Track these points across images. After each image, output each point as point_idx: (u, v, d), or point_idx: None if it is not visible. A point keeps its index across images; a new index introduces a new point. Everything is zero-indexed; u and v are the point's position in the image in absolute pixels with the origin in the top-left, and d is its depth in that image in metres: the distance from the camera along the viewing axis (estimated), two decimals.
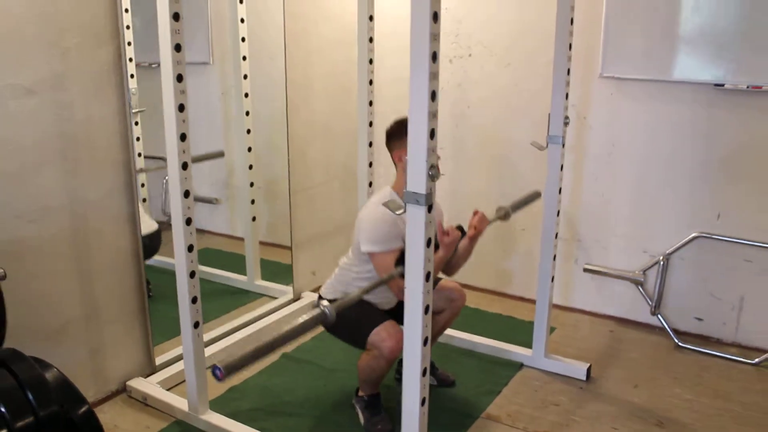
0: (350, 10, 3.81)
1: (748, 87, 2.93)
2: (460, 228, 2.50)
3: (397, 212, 1.95)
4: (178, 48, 2.20)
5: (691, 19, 3.00)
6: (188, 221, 2.37)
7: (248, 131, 3.58)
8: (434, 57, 1.74)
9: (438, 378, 2.92)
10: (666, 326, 3.30)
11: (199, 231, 3.45)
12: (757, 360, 3.07)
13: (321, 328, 3.07)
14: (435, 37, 1.72)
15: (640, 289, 3.36)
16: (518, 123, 3.52)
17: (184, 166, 2.31)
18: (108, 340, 2.72)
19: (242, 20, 3.45)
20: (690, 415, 2.70)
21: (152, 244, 3.09)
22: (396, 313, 2.62)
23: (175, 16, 2.17)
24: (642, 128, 3.24)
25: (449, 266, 2.63)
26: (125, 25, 2.59)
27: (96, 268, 2.64)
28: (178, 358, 2.97)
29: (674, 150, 3.19)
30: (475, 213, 2.54)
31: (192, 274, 2.43)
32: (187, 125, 2.29)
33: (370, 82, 3.20)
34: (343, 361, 3.09)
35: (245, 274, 3.78)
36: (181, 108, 2.26)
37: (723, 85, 2.98)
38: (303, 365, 3.07)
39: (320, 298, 2.69)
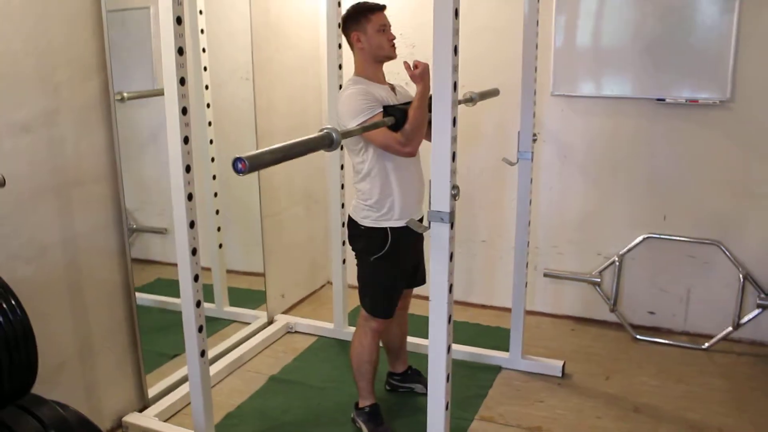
0: (308, 38, 3.96)
1: (686, 101, 3.27)
2: None
3: (419, 230, 2.07)
4: (182, 81, 2.25)
5: (633, 41, 3.31)
6: (194, 251, 2.41)
7: (212, 159, 3.61)
8: (455, 86, 1.87)
9: (424, 385, 3.05)
10: (624, 322, 3.58)
11: (148, 262, 3.46)
12: (706, 345, 3.40)
13: (295, 350, 3.15)
14: (455, 69, 1.86)
15: (598, 289, 3.63)
16: (478, 144, 3.73)
17: (189, 197, 2.35)
18: (101, 376, 2.69)
19: (204, 50, 3.49)
20: (659, 399, 2.97)
21: None
22: (412, 275, 2.79)
23: (180, 51, 2.23)
24: (591, 140, 3.53)
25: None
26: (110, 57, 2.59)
27: (88, 303, 2.61)
28: (169, 389, 2.98)
29: (622, 159, 3.49)
30: (416, 66, 2.42)
31: (198, 304, 2.45)
32: (191, 157, 2.33)
33: None
34: (331, 379, 3.17)
35: (212, 302, 3.78)
36: (186, 140, 2.30)
37: (664, 99, 3.31)
38: (292, 386, 3.12)
39: (351, 220, 2.68)
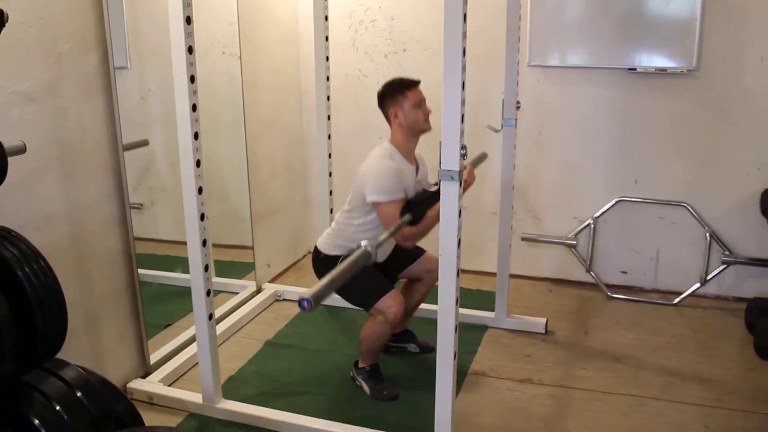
0: (290, 12, 4.00)
1: (656, 70, 3.45)
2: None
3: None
4: (190, 50, 2.30)
5: (605, 13, 3.46)
6: (202, 216, 2.47)
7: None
8: (464, 52, 1.97)
9: (420, 346, 3.19)
10: (599, 281, 3.78)
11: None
12: (676, 300, 3.62)
13: (286, 316, 3.24)
14: (464, 35, 1.96)
15: (574, 251, 3.82)
16: None
17: (198, 163, 2.41)
18: (106, 344, 2.73)
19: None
20: (637, 350, 3.17)
21: None
22: (387, 268, 2.91)
23: (188, 20, 2.27)
24: (566, 109, 3.69)
25: None
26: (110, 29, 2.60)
27: (93, 272, 2.64)
28: (168, 356, 3.03)
29: (595, 127, 3.67)
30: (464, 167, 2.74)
31: (206, 268, 2.52)
32: (199, 125, 2.39)
33: (327, 78, 3.40)
34: (326, 342, 3.28)
35: None
36: (194, 108, 2.35)
37: (635, 69, 3.48)
38: (289, 350, 3.21)
39: (317, 251, 2.86)
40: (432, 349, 3.20)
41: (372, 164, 2.70)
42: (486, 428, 2.60)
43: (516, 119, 3.14)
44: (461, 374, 2.97)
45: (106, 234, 2.70)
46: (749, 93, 3.38)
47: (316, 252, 2.89)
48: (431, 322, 3.43)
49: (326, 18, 3.32)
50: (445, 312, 2.23)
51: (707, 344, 3.22)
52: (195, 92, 2.35)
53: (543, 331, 3.34)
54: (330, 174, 3.52)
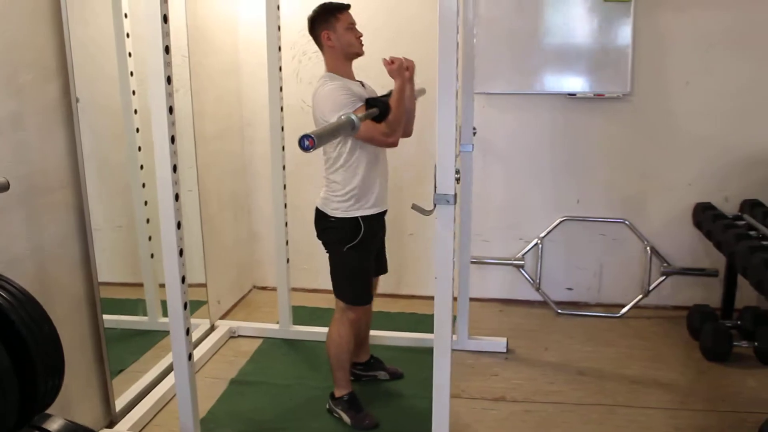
0: (230, 42, 3.95)
1: (594, 95, 3.66)
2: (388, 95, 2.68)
3: (425, 214, 2.22)
4: (167, 50, 2.20)
5: (545, 42, 3.66)
6: (181, 252, 2.37)
7: (141, 167, 3.50)
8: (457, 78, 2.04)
9: (389, 372, 3.18)
10: (548, 299, 3.92)
11: None
12: (620, 313, 3.81)
13: (245, 353, 3.14)
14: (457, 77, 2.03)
15: (522, 271, 3.95)
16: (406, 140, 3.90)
17: (174, 168, 2.30)
18: (71, 393, 2.55)
19: (129, 54, 3.38)
20: (596, 361, 3.31)
21: None
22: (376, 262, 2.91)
23: (165, 18, 2.19)
24: (510, 133, 3.84)
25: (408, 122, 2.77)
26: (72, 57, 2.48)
27: (57, 318, 2.42)
28: (134, 401, 2.88)
29: (538, 150, 3.83)
30: (392, 61, 2.63)
31: (185, 306, 2.43)
32: (176, 129, 2.29)
33: (281, 109, 3.37)
34: (292, 376, 3.22)
35: (144, 315, 3.65)
36: (171, 110, 2.24)
37: (575, 94, 3.68)
38: (256, 387, 3.12)
39: (322, 213, 2.76)
40: (401, 375, 3.20)
41: (319, 93, 2.63)
42: None
43: (473, 144, 3.24)
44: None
45: (70, 277, 2.54)
46: (677, 115, 3.66)
47: (322, 215, 2.75)
48: (391, 349, 3.48)
49: (279, 48, 3.30)
50: (440, 324, 2.26)
51: (658, 351, 3.40)
52: (171, 94, 2.24)
53: (505, 350, 3.41)
54: (285, 205, 3.47)
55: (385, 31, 3.79)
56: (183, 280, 2.41)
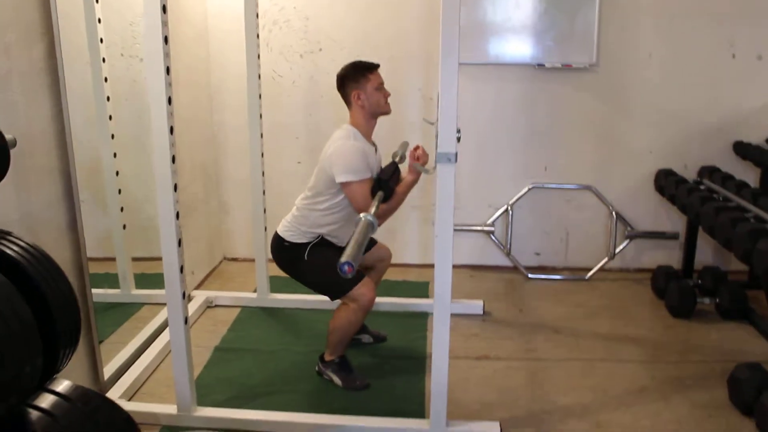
0: (199, 10, 3.88)
1: (562, 65, 3.77)
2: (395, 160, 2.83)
3: (426, 173, 2.27)
4: (166, 40, 2.21)
5: (514, 14, 3.73)
6: (177, 215, 2.37)
7: (112, 136, 3.42)
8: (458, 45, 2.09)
9: (373, 336, 3.23)
10: (518, 264, 4.04)
11: None
12: (588, 276, 3.97)
13: (225, 321, 3.16)
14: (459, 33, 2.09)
15: (493, 237, 4.05)
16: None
17: (173, 159, 2.31)
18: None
19: (99, 20, 3.28)
20: (570, 321, 3.45)
21: None
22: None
23: (164, 8, 2.18)
24: (480, 103, 3.91)
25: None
26: (59, 19, 2.40)
27: None
28: (120, 371, 2.84)
29: (507, 119, 3.93)
30: (417, 147, 2.83)
31: (181, 269, 2.42)
32: (174, 119, 2.29)
33: (259, 77, 3.35)
34: (275, 342, 3.23)
35: (117, 288, 3.58)
36: (170, 101, 2.25)
37: (543, 65, 3.78)
38: (241, 353, 3.12)
39: (280, 239, 2.82)
40: (385, 338, 3.26)
41: (338, 145, 2.70)
42: (464, 404, 2.70)
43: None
44: (421, 359, 3.06)
45: (56, 241, 2.48)
46: (640, 85, 3.81)
47: (280, 240, 2.83)
48: (372, 314, 3.53)
49: (257, 15, 3.27)
50: (441, 285, 2.36)
51: (626, 310, 3.57)
52: (170, 84, 2.25)
53: (481, 312, 3.52)
54: (263, 174, 3.46)
55: (361, 1, 3.81)
56: (179, 243, 2.40)
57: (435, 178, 2.22)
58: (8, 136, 1.78)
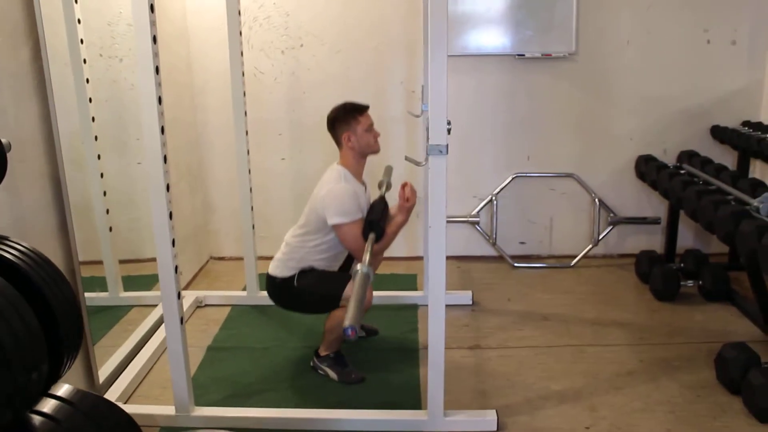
0: (179, 8, 3.85)
1: (541, 55, 3.81)
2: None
3: (417, 165, 2.29)
4: (155, 40, 2.20)
5: (493, 4, 3.77)
6: (170, 216, 2.36)
7: (96, 138, 3.39)
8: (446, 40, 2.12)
9: (365, 330, 3.26)
10: (503, 253, 4.09)
11: None
12: (572, 263, 4.03)
13: (216, 321, 3.18)
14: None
15: (478, 227, 4.09)
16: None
17: (164, 159, 2.30)
18: None
19: (79, 21, 3.25)
20: (557, 308, 3.50)
21: None
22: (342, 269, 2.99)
23: (151, 8, 2.17)
24: (462, 94, 3.94)
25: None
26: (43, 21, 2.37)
27: None
28: (115, 374, 2.83)
29: (489, 109, 3.97)
30: (405, 185, 2.87)
31: (176, 269, 2.41)
32: (164, 119, 2.29)
33: (243, 74, 3.34)
34: (268, 339, 3.24)
35: (105, 291, 3.56)
36: (160, 100, 2.25)
37: (523, 55, 3.82)
38: (234, 352, 3.13)
39: (272, 278, 2.85)
40: (376, 332, 3.29)
41: (330, 188, 2.75)
42: (459, 393, 2.74)
43: None
44: (413, 351, 3.09)
45: (48, 247, 2.45)
46: (619, 72, 3.87)
47: (271, 279, 2.87)
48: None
49: (239, 12, 3.26)
50: (435, 267, 2.36)
51: (611, 296, 3.64)
52: (159, 84, 2.25)
53: (470, 303, 3.56)
54: (249, 171, 3.46)
55: None
56: (173, 243, 2.39)
57: (424, 170, 2.25)
58: (3, 140, 1.77)
